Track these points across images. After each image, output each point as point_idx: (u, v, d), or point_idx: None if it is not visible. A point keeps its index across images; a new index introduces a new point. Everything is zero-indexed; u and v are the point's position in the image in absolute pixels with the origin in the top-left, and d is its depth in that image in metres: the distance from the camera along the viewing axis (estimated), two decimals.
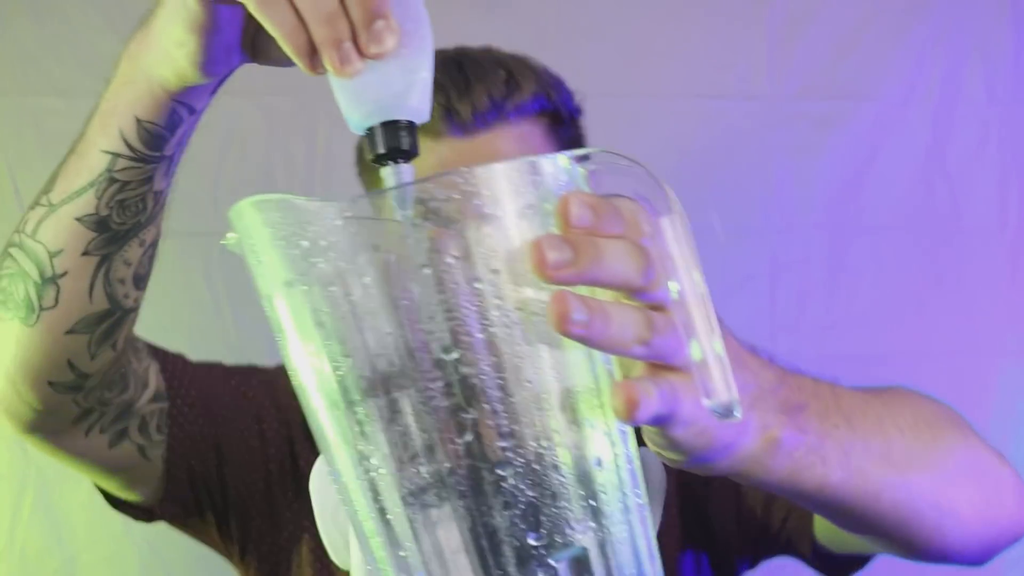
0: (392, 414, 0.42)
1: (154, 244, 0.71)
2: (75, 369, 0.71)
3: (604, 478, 0.44)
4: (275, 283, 0.44)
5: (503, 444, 0.42)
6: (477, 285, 0.41)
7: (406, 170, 0.47)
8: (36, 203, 0.67)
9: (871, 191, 1.40)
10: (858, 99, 1.39)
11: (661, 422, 0.44)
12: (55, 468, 1.34)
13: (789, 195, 1.39)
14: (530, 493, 0.42)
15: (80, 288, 0.67)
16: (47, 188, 0.67)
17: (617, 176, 0.43)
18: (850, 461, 0.52)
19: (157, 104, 0.62)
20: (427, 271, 0.41)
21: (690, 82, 1.39)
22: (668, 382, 0.43)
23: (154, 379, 0.84)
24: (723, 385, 0.43)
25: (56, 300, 0.67)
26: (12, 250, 0.68)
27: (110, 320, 0.70)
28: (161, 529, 1.36)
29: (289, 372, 0.45)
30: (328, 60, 0.47)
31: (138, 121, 0.62)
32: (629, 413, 0.42)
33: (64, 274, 0.67)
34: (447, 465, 0.42)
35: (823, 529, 0.81)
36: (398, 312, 0.41)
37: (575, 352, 0.43)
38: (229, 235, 0.46)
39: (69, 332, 0.69)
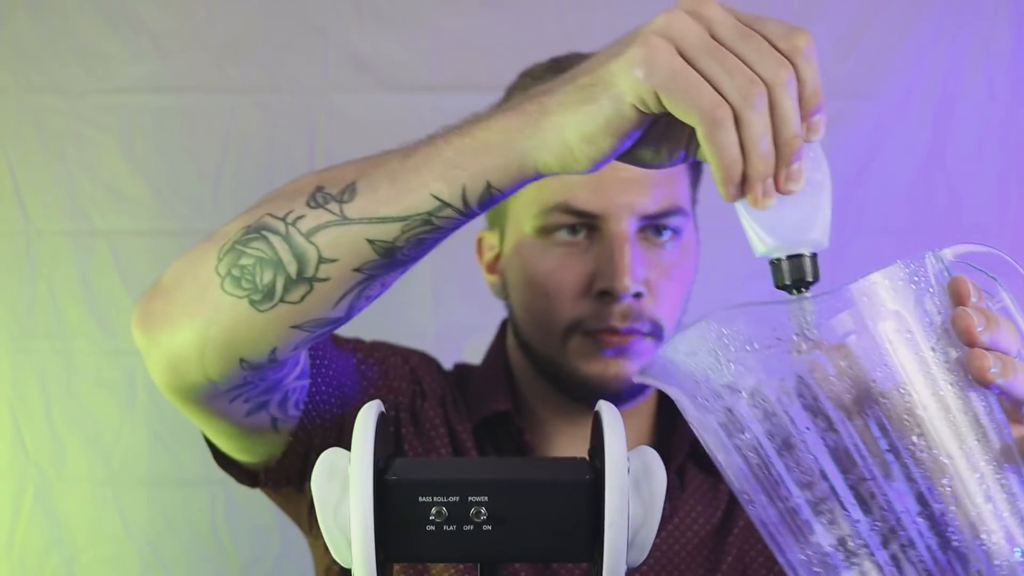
0: (887, 474, 0.50)
1: None
2: (272, 355, 0.71)
3: None
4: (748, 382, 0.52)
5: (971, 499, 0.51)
6: (929, 353, 0.51)
7: (808, 298, 0.55)
8: (318, 203, 0.67)
9: (871, 190, 1.40)
10: (858, 98, 1.39)
11: None
12: (55, 468, 1.35)
13: None
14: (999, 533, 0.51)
15: (332, 296, 0.68)
16: (338, 195, 0.66)
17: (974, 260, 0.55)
18: None
19: (519, 178, 0.62)
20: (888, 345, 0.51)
21: None
22: None
23: (303, 357, 0.84)
24: None
25: (302, 299, 0.67)
26: (270, 236, 0.67)
27: (336, 325, 0.71)
28: (161, 529, 1.36)
29: (741, 460, 0.53)
30: (752, 192, 0.54)
31: (488, 185, 0.63)
32: None
33: (325, 280, 0.67)
34: (928, 515, 0.50)
35: None
36: (876, 384, 0.51)
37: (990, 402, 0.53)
38: (667, 348, 0.54)
39: (295, 327, 0.69)
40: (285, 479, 0.91)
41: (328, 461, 0.58)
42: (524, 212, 0.96)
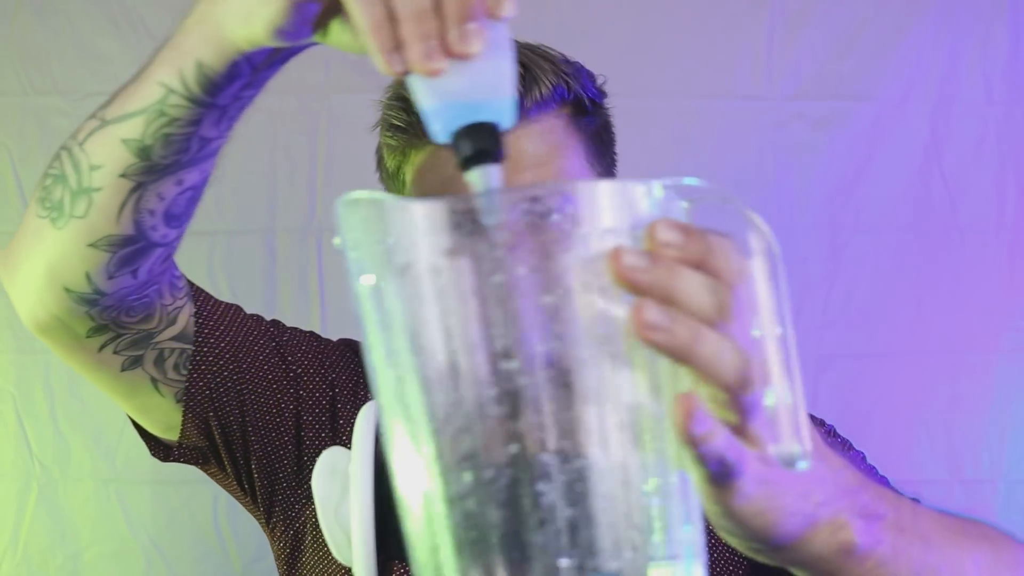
0: (447, 415, 0.42)
1: (195, 188, 0.72)
2: (91, 283, 0.73)
3: (651, 506, 0.42)
4: (360, 278, 0.43)
5: (547, 459, 0.41)
6: (546, 298, 0.41)
7: (494, 172, 0.46)
8: (93, 115, 0.70)
9: (869, 191, 1.40)
10: (856, 99, 1.40)
11: (720, 469, 0.42)
12: (59, 467, 1.35)
13: (788, 194, 1.39)
14: (568, 512, 0.41)
15: (110, 207, 0.69)
16: (105, 104, 0.69)
17: (709, 210, 0.43)
18: None
19: (221, 53, 0.61)
20: (498, 278, 0.41)
21: (690, 82, 1.39)
22: (731, 434, 0.42)
23: (183, 320, 0.84)
24: (791, 433, 0.42)
25: (86, 212, 0.69)
26: (62, 153, 0.70)
27: (133, 247, 0.72)
28: (164, 527, 1.37)
29: (366, 360, 0.44)
30: (412, 56, 0.47)
31: (199, 64, 0.62)
32: (685, 426, 0.40)
33: (99, 189, 0.69)
34: (489, 474, 0.41)
35: None
36: (465, 316, 0.41)
37: (641, 375, 0.41)
38: (336, 239, 0.45)
39: (91, 246, 0.71)
40: (199, 457, 0.90)
41: (329, 461, 0.59)
42: None
